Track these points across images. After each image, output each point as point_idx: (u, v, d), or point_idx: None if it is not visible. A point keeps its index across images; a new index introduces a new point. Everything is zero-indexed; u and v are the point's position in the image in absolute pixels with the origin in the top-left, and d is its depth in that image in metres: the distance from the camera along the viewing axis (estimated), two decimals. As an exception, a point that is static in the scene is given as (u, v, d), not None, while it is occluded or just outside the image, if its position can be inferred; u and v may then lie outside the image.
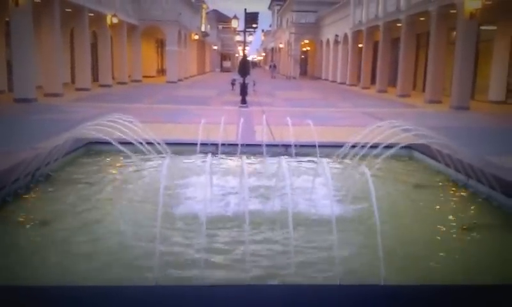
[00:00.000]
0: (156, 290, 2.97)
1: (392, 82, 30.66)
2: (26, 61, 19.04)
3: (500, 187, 5.15)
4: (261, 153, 6.96)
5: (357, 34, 37.90)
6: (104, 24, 29.63)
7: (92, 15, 26.93)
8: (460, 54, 19.91)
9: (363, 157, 5.86)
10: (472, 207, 5.36)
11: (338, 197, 5.08)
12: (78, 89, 25.58)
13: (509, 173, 6.07)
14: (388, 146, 5.88)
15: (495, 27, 23.13)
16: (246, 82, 20.46)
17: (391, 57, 31.59)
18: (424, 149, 7.14)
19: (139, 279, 3.41)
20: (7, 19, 20.29)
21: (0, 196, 4.84)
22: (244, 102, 19.47)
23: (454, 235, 4.56)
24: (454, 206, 5.51)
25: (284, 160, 4.44)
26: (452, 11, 20.92)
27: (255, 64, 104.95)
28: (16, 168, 5.22)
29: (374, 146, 5.95)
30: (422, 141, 6.56)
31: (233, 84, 27.87)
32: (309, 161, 6.75)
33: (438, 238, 4.48)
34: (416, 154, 7.39)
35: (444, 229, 4.69)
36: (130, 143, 5.95)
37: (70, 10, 24.86)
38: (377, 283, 3.15)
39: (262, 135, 8.09)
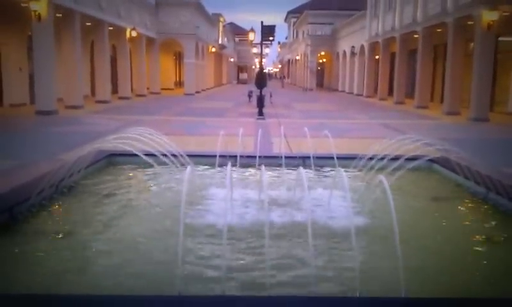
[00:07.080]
0: (178, 300, 3.01)
1: (410, 94, 30.48)
2: (47, 74, 19.45)
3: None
4: (280, 165, 7.01)
5: (373, 46, 37.81)
6: (123, 37, 30.15)
7: (112, 28, 27.43)
8: (478, 65, 19.76)
9: (382, 169, 5.87)
10: (492, 219, 5.32)
11: (357, 208, 5.10)
12: (98, 102, 26.00)
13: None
14: (408, 159, 5.89)
15: (513, 38, 22.91)
16: (263, 94, 20.55)
17: (408, 69, 31.42)
18: (444, 162, 7.10)
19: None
20: (29, 33, 20.79)
21: (25, 207, 4.97)
22: (261, 113, 19.54)
23: (475, 247, 4.53)
24: (473, 218, 5.47)
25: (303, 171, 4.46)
26: (469, 23, 20.79)
27: (270, 75, 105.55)
28: (40, 180, 5.34)
29: (394, 159, 5.95)
30: (442, 154, 6.55)
31: (250, 96, 28.04)
32: (327, 172, 6.79)
33: (459, 250, 4.46)
34: (436, 166, 7.35)
35: (465, 241, 4.67)
36: (151, 155, 6.04)
37: (90, 24, 25.39)
38: (397, 296, 3.15)
39: (279, 147, 8.14)
